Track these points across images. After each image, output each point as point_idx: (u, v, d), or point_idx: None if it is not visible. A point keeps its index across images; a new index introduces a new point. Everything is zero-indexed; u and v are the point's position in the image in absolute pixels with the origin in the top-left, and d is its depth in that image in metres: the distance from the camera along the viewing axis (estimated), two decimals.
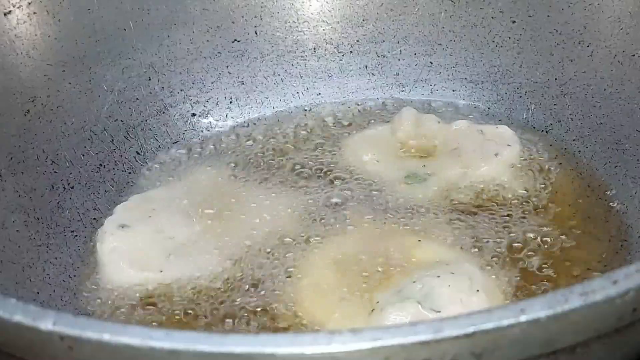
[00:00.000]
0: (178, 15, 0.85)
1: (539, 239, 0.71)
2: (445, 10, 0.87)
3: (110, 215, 0.74)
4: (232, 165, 0.81)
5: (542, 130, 0.82)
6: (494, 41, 0.85)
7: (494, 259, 0.69)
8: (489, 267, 0.68)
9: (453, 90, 0.87)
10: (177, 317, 0.67)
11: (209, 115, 0.86)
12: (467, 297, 0.63)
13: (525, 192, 0.75)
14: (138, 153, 0.82)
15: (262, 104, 0.87)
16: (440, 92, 0.87)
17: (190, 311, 0.67)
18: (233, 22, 0.87)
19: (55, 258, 0.71)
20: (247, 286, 0.69)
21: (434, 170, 0.77)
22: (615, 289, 0.44)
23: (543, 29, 0.84)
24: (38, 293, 0.68)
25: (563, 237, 0.71)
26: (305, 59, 0.88)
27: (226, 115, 0.86)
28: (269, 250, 0.71)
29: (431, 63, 0.87)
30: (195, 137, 0.85)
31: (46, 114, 0.77)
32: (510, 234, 0.71)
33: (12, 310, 0.44)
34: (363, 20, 0.88)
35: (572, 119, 0.81)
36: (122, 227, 0.72)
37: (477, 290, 0.63)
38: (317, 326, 0.65)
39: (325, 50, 0.88)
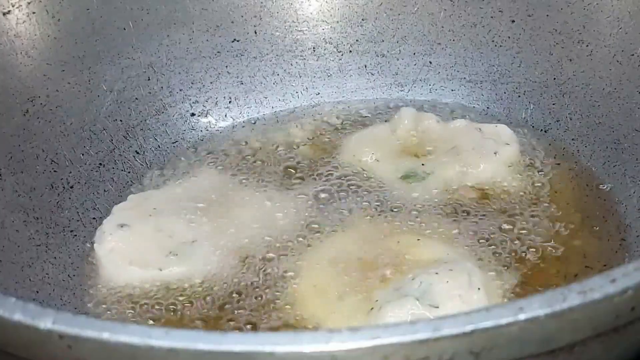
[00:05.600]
0: (177, 15, 0.85)
1: (537, 237, 0.71)
2: (445, 10, 0.87)
3: (109, 215, 0.74)
4: (232, 164, 0.81)
5: (541, 130, 0.82)
6: (493, 41, 0.86)
7: (493, 257, 0.69)
8: (488, 265, 0.68)
9: (452, 90, 0.87)
10: (176, 315, 0.67)
11: (208, 115, 0.86)
12: (466, 293, 0.63)
13: (523, 191, 0.75)
14: (137, 153, 0.82)
15: (261, 104, 0.87)
16: (439, 91, 0.87)
17: (189, 310, 0.68)
18: (232, 22, 0.87)
19: (55, 257, 0.71)
20: (246, 285, 0.69)
21: (433, 169, 0.77)
22: (614, 288, 0.44)
23: (542, 29, 0.84)
24: (37, 292, 0.68)
25: (561, 236, 0.71)
26: (305, 59, 0.88)
27: (225, 115, 0.86)
28: (268, 249, 0.71)
29: (430, 62, 0.87)
30: (195, 137, 0.85)
31: (45, 114, 0.77)
32: (509, 233, 0.71)
33: (12, 309, 0.45)
34: (362, 19, 0.88)
35: (571, 119, 0.81)
36: (122, 226, 0.72)
37: (479, 289, 0.63)
38: (316, 325, 0.65)
39: (325, 49, 0.88)
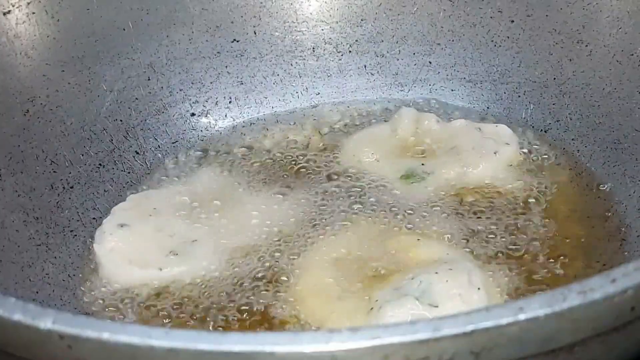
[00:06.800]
0: (177, 15, 0.85)
1: (537, 237, 0.71)
2: (444, 10, 0.87)
3: (109, 215, 0.74)
4: (231, 164, 0.81)
5: (541, 130, 0.82)
6: (492, 41, 0.86)
7: (493, 257, 0.69)
8: (488, 265, 0.68)
9: (452, 90, 0.87)
10: (176, 315, 0.67)
11: (208, 115, 0.86)
12: (466, 292, 0.63)
13: (523, 191, 0.75)
14: (137, 153, 0.82)
15: (261, 104, 0.87)
16: (439, 91, 0.87)
17: (189, 309, 0.68)
18: (232, 22, 0.87)
19: (55, 258, 0.71)
20: (246, 285, 0.69)
21: (433, 169, 0.77)
22: (614, 288, 0.44)
23: (542, 29, 0.84)
24: (37, 292, 0.68)
25: (561, 235, 0.71)
26: (304, 59, 0.88)
27: (225, 115, 0.86)
28: (268, 249, 0.71)
29: (430, 63, 0.87)
30: (195, 137, 0.85)
31: (45, 114, 0.77)
32: (509, 233, 0.71)
33: (12, 309, 0.45)
34: (362, 20, 0.88)
35: (571, 119, 0.81)
36: (122, 226, 0.72)
37: (479, 289, 0.63)
38: (316, 325, 0.65)
39: (324, 50, 0.88)
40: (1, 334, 0.46)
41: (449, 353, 0.43)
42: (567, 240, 0.71)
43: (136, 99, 0.83)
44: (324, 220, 0.74)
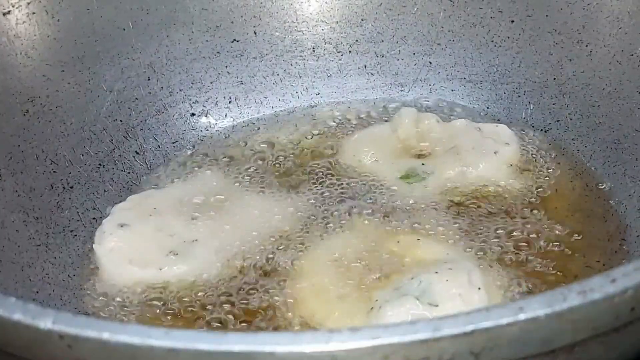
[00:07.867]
0: (177, 15, 0.85)
1: (537, 237, 0.71)
2: (444, 10, 0.87)
3: (109, 215, 0.74)
4: (231, 165, 0.81)
5: (541, 130, 0.82)
6: (492, 41, 0.86)
7: (493, 257, 0.69)
8: (488, 265, 0.68)
9: (452, 90, 0.87)
10: (176, 315, 0.67)
11: (208, 115, 0.86)
12: (466, 291, 0.63)
13: (523, 191, 0.75)
14: (137, 153, 0.82)
15: (261, 104, 0.87)
16: (439, 91, 0.87)
17: (189, 309, 0.68)
18: (232, 22, 0.87)
19: (55, 258, 0.72)
20: (246, 285, 0.69)
21: (433, 169, 0.77)
22: (614, 288, 0.44)
23: (542, 29, 0.84)
24: (37, 292, 0.68)
25: (562, 236, 0.71)
26: (304, 59, 0.88)
27: (225, 115, 0.86)
28: (268, 249, 0.71)
29: (430, 63, 0.87)
30: (195, 137, 0.85)
31: (45, 114, 0.77)
32: (509, 233, 0.71)
33: (12, 309, 0.45)
34: (362, 20, 0.88)
35: (571, 119, 0.81)
36: (122, 226, 0.72)
37: (479, 288, 0.63)
38: (316, 325, 0.65)
39: (324, 50, 0.88)
40: (1, 334, 0.46)
41: (449, 353, 0.43)
42: (567, 240, 0.71)
43: (136, 99, 0.83)
44: (323, 220, 0.74)
